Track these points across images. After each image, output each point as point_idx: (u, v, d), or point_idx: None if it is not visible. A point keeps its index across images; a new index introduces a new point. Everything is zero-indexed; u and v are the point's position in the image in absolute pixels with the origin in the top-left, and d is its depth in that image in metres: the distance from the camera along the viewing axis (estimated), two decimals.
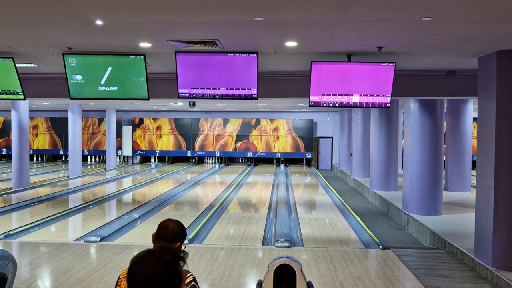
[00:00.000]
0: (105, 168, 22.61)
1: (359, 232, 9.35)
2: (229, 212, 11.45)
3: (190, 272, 2.41)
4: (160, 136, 25.67)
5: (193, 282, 2.42)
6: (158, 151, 25.75)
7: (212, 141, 25.46)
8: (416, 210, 9.94)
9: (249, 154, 25.31)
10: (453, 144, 13.20)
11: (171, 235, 2.48)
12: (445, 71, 8.42)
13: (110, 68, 7.15)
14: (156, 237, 2.53)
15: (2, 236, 8.34)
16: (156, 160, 26.55)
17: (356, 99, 7.14)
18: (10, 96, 7.82)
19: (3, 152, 26.34)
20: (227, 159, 26.14)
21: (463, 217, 9.74)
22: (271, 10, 4.54)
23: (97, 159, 26.91)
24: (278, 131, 25.12)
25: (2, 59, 7.28)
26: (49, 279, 6.27)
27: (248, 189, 15.93)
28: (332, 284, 6.02)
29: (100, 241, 8.09)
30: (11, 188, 14.71)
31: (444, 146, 11.55)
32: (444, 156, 11.91)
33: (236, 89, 7.11)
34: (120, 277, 2.46)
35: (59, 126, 25.81)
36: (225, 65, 6.91)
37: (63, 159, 26.53)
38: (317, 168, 24.77)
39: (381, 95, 7.12)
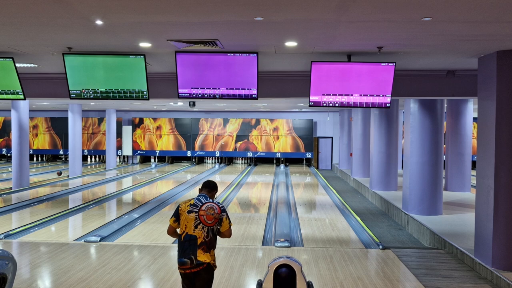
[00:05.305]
0: (105, 168, 22.61)
1: (359, 232, 9.34)
2: (229, 212, 11.44)
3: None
4: (160, 136, 25.67)
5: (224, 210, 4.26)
6: (158, 151, 25.75)
7: (212, 141, 25.46)
8: (416, 210, 9.94)
9: (249, 154, 25.31)
10: (453, 144, 13.20)
11: (213, 185, 4.40)
12: (445, 71, 8.43)
13: (111, 68, 7.15)
14: (202, 188, 4.36)
15: (2, 236, 8.34)
16: (156, 160, 26.55)
17: (356, 99, 7.15)
18: (10, 96, 7.82)
19: (3, 152, 26.35)
20: (227, 159, 26.15)
21: (463, 217, 9.74)
22: (271, 10, 4.54)
23: (97, 159, 26.91)
24: (278, 131, 25.12)
25: (2, 59, 7.29)
26: (49, 279, 6.27)
27: (248, 189, 15.94)
28: (332, 284, 6.02)
29: (100, 241, 8.09)
30: (11, 188, 14.72)
31: (444, 146, 11.55)
32: (444, 156, 11.91)
33: (236, 89, 7.12)
34: (181, 205, 4.20)
35: (59, 126, 25.82)
36: (225, 65, 6.91)
37: (63, 159, 26.53)
38: (317, 168, 24.77)
39: (381, 95, 7.13)
